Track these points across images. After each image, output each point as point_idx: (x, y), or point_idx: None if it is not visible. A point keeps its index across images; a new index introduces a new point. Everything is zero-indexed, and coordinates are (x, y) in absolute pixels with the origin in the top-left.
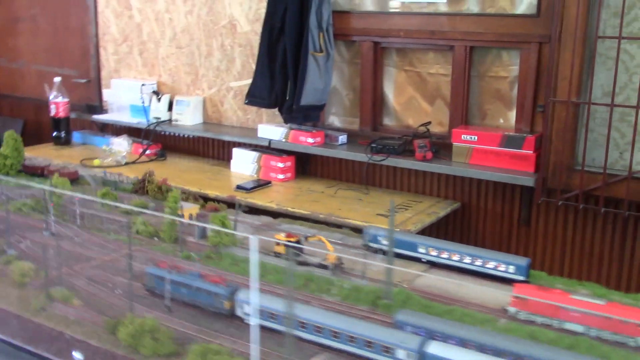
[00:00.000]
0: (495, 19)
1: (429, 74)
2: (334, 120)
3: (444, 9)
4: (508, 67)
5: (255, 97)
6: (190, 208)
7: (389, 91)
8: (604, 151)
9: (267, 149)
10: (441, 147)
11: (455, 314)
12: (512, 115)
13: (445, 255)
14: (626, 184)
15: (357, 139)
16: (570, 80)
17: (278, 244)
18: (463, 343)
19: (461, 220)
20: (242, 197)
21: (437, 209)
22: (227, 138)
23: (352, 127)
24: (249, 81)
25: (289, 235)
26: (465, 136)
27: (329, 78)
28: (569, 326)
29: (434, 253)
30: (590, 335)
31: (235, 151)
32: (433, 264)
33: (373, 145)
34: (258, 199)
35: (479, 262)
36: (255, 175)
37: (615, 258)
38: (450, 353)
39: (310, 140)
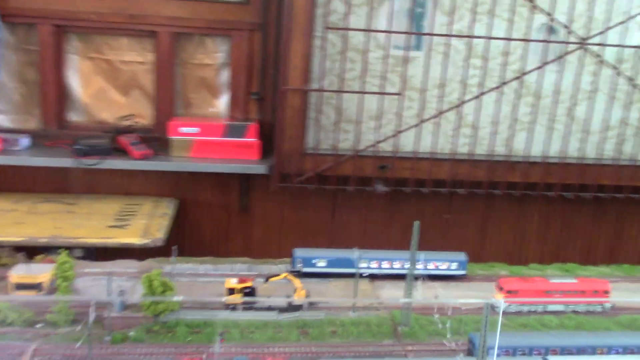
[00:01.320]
0: (204, 4)
1: (123, 62)
2: (1, 120)
3: None
4: (213, 55)
5: None
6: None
7: (74, 82)
8: (333, 135)
9: None
10: (149, 142)
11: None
12: (220, 103)
13: (386, 265)
14: (352, 162)
15: (42, 141)
16: (302, 69)
17: (231, 293)
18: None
19: (182, 217)
20: None
21: (164, 209)
22: None
23: (27, 126)
24: None
25: (242, 280)
26: (184, 129)
27: None
28: (552, 308)
29: (374, 265)
30: (568, 312)
31: None
32: (373, 276)
33: (78, 147)
34: None
35: (421, 266)
36: None
37: (324, 230)
38: None
39: None
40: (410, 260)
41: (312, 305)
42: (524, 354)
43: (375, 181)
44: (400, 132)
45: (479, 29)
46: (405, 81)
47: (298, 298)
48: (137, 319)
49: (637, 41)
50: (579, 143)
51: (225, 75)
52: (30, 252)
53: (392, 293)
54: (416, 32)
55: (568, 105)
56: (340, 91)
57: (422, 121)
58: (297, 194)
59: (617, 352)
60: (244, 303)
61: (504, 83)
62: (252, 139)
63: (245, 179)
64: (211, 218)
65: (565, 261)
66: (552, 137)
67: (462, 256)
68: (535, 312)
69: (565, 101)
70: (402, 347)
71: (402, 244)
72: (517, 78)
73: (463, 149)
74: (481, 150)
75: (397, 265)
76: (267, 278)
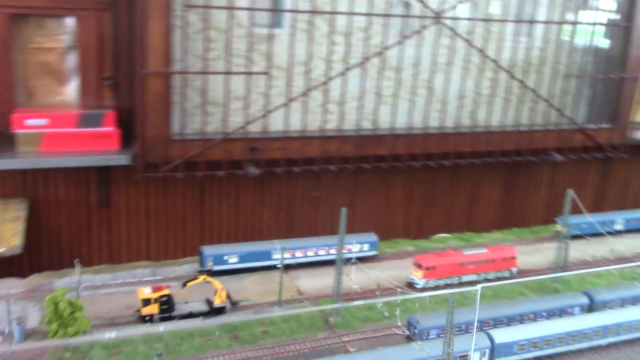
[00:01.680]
0: None
1: None
2: None
3: None
4: (56, 37)
5: None
6: None
7: None
8: (200, 119)
9: None
10: None
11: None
12: (69, 90)
13: (300, 254)
14: (222, 146)
15: None
16: (162, 51)
17: (146, 304)
18: (495, 322)
19: (36, 219)
20: None
21: (14, 212)
22: None
23: None
24: None
25: (156, 288)
26: (31, 121)
27: None
28: (466, 278)
29: (288, 255)
30: (481, 280)
31: None
32: (288, 267)
33: None
34: None
35: (335, 251)
36: None
37: (195, 218)
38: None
39: None
40: (338, 246)
41: (235, 306)
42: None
43: (247, 164)
44: (269, 112)
45: (342, 6)
46: (270, 60)
47: (220, 300)
48: (43, 348)
49: (486, 14)
50: (438, 113)
51: (72, 60)
52: None
53: (312, 282)
54: (278, 9)
55: (426, 78)
56: (204, 72)
57: (290, 100)
58: (162, 183)
59: (542, 316)
60: (162, 312)
61: (367, 58)
62: (110, 128)
63: (104, 171)
64: (69, 217)
65: (428, 225)
66: (414, 109)
67: (372, 237)
68: (451, 285)
69: (424, 73)
70: (338, 338)
71: (275, 226)
72: (379, 54)
73: (331, 125)
74: (349, 125)
75: (310, 253)
76: (185, 283)
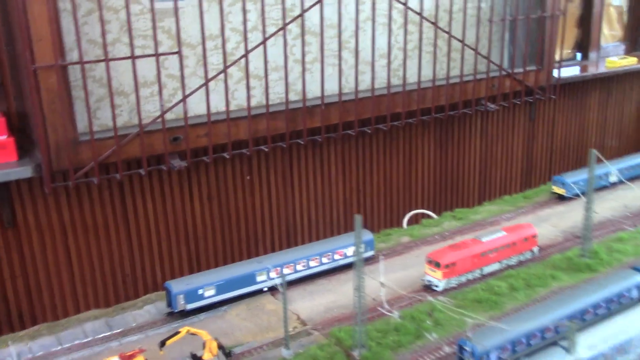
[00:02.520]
0: None
1: None
2: None
3: None
4: None
5: None
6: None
7: None
8: (108, 113)
9: None
10: None
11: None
12: None
13: (288, 270)
14: (138, 140)
15: None
16: (52, 40)
17: None
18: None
19: None
20: None
21: None
22: None
23: None
24: None
25: (126, 357)
26: None
27: None
28: (487, 269)
29: (274, 275)
30: (504, 268)
31: None
32: (274, 288)
33: None
34: None
35: (328, 259)
36: None
37: (118, 224)
38: None
39: None
40: (356, 253)
41: (230, 358)
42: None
43: (170, 157)
44: (187, 96)
45: None
46: (176, 38)
47: (212, 355)
48: None
49: None
50: (367, 75)
51: None
52: None
53: (311, 304)
54: None
55: (348, 39)
56: (106, 60)
57: (209, 80)
58: (75, 191)
59: (601, 308)
60: None
61: (286, 24)
62: (1, 137)
63: (4, 187)
64: None
65: (366, 193)
66: (340, 74)
67: (367, 235)
68: (474, 280)
69: (346, 34)
70: None
71: (208, 217)
72: (297, 17)
73: (255, 102)
74: (274, 100)
75: (300, 267)
76: (163, 342)
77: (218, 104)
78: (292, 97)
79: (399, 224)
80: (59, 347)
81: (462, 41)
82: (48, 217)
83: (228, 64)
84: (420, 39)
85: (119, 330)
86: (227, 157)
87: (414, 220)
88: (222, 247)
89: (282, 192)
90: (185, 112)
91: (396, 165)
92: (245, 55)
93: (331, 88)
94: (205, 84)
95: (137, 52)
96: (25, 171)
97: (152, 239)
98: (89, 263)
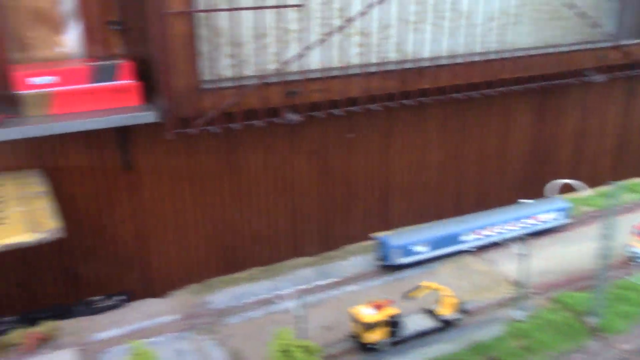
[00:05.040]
0: None
1: None
2: None
3: None
4: None
5: None
6: None
7: None
8: (227, 64)
9: None
10: None
11: None
12: (68, 40)
13: (488, 233)
14: (258, 92)
15: None
16: None
17: (370, 329)
18: None
19: (52, 190)
20: None
21: (34, 186)
22: None
23: None
24: None
25: (378, 305)
26: (37, 79)
27: None
28: None
29: (474, 237)
30: None
31: None
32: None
33: None
34: None
35: (522, 224)
36: None
37: (222, 174)
38: None
39: None
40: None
41: (466, 313)
42: None
43: (285, 110)
44: (307, 49)
45: None
46: None
47: (451, 310)
48: None
49: None
50: (465, 38)
51: (68, 3)
52: None
53: (514, 266)
54: None
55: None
56: (233, 9)
57: (328, 34)
58: (185, 140)
59: None
60: (392, 336)
61: None
62: (128, 81)
63: (124, 130)
64: (89, 185)
65: (462, 160)
66: (451, 36)
67: (562, 203)
68: None
69: None
70: (613, 347)
71: (307, 174)
72: None
73: (364, 59)
74: (374, 59)
75: (499, 230)
76: (406, 294)
77: (330, 60)
78: (398, 57)
79: (495, 193)
80: (278, 293)
81: (572, 7)
82: (159, 163)
83: (343, 20)
84: (524, 4)
85: (334, 280)
86: (342, 114)
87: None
88: (318, 203)
89: (381, 152)
90: (302, 67)
91: (494, 133)
92: (365, 12)
93: (438, 49)
94: (325, 39)
95: (259, 3)
96: (148, 116)
97: (255, 190)
98: (192, 210)
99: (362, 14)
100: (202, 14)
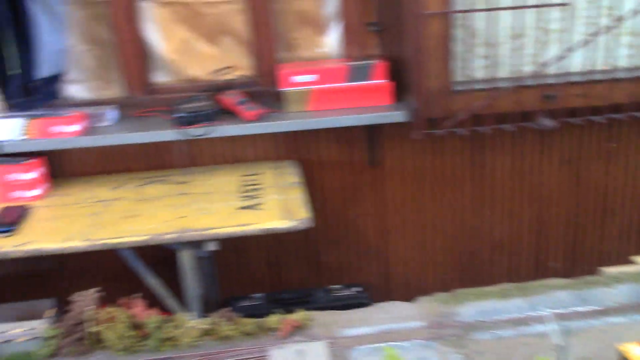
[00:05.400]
0: None
1: (206, 3)
2: (74, 90)
3: None
4: None
5: None
6: None
7: (153, 36)
8: (480, 65)
9: None
10: (255, 98)
11: None
12: (326, 41)
13: None
14: (511, 95)
15: (128, 110)
16: None
17: None
18: None
19: (305, 181)
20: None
21: (289, 177)
22: None
23: (107, 95)
24: None
25: None
26: (298, 77)
27: (64, 30)
28: None
29: None
30: None
31: None
32: None
33: (180, 115)
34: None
35: None
36: None
37: (465, 177)
38: None
39: (71, 128)
40: None
41: None
42: None
43: (539, 115)
44: (569, 51)
45: None
46: None
47: None
48: None
49: None
50: None
51: (331, 5)
52: (151, 253)
53: None
54: None
55: None
56: (491, 9)
57: (593, 35)
58: (431, 140)
59: None
60: None
61: None
62: (381, 81)
63: (373, 128)
64: (337, 178)
65: None
66: None
67: None
68: None
69: None
70: None
71: (557, 183)
72: None
73: (632, 62)
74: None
75: None
76: None
77: (594, 63)
78: None
79: None
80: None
81: None
82: (404, 162)
83: (612, 19)
84: None
85: (598, 308)
86: (603, 121)
87: None
88: (567, 215)
89: None
90: (562, 69)
91: None
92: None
93: None
94: (591, 39)
95: (518, 2)
96: (398, 115)
97: (499, 196)
98: (434, 210)
99: (636, 12)
100: (459, 15)
